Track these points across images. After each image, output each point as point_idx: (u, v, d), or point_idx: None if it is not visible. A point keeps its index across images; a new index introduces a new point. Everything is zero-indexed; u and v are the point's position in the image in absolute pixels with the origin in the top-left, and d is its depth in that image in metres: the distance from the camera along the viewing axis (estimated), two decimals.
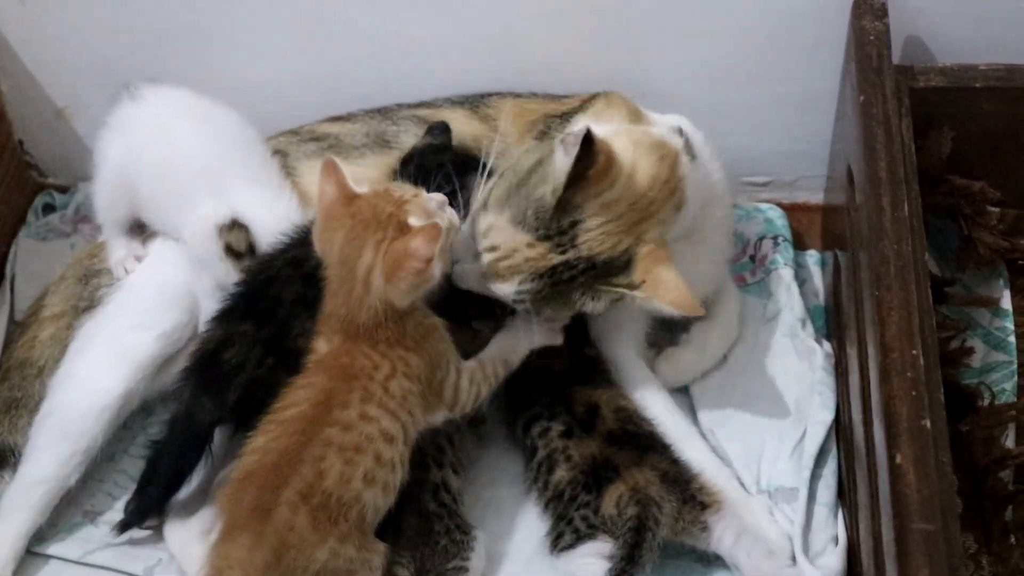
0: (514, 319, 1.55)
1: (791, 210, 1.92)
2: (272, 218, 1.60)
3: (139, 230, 1.71)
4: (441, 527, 1.50)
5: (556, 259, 1.44)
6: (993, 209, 1.72)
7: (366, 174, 1.67)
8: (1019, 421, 1.65)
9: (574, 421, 1.58)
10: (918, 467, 1.24)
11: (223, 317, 1.54)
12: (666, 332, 1.73)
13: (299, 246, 1.54)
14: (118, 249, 1.70)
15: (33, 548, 1.60)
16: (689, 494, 1.53)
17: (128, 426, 1.69)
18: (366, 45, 1.80)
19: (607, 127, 1.50)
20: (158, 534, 1.59)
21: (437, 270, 1.37)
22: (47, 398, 1.62)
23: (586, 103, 1.68)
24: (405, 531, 1.47)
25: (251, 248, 1.58)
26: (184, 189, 1.61)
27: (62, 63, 1.88)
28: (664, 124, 1.60)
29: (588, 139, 1.38)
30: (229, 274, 1.58)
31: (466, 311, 1.56)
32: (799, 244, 1.89)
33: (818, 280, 1.84)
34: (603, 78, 1.76)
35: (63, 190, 2.01)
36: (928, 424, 1.27)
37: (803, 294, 1.79)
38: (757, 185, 1.94)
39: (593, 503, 1.51)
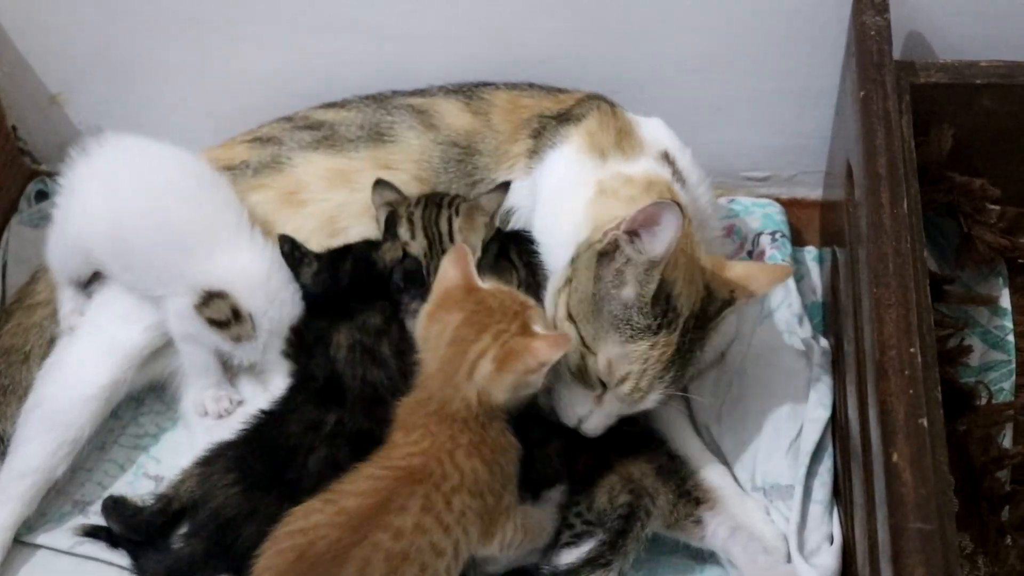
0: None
1: (789, 206, 1.92)
2: (247, 271, 1.57)
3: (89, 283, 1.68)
4: None
5: (675, 337, 1.43)
6: (993, 207, 1.71)
7: (360, 167, 1.67)
8: (1017, 421, 1.64)
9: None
10: (914, 466, 1.23)
11: (245, 485, 1.47)
12: None
13: (315, 405, 1.51)
14: (66, 302, 1.66)
15: (22, 538, 1.59)
16: (684, 489, 1.53)
17: (118, 416, 1.69)
18: (362, 34, 1.78)
19: (612, 174, 1.53)
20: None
21: (541, 379, 1.36)
22: (34, 389, 1.61)
23: (577, 107, 1.66)
24: None
25: (236, 312, 1.56)
26: (153, 264, 1.58)
27: (56, 49, 1.87)
28: (648, 131, 1.62)
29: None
30: (235, 339, 1.58)
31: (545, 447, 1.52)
32: (797, 240, 1.89)
33: (816, 276, 1.84)
34: (601, 71, 1.75)
35: (56, 177, 1.99)
36: (925, 423, 1.26)
37: (801, 290, 1.78)
38: (755, 180, 1.93)
39: (584, 502, 1.51)
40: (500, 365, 1.35)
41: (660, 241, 1.39)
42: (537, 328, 1.38)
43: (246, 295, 1.56)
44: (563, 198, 1.55)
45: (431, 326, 1.40)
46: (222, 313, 1.56)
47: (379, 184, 1.61)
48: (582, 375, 1.46)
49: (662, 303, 1.42)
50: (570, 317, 1.45)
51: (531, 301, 1.42)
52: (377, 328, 1.54)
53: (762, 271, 1.52)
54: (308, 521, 1.33)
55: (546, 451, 1.52)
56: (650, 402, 1.46)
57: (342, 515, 1.32)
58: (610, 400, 1.46)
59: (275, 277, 1.58)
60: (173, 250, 1.56)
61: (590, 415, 1.48)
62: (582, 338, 1.44)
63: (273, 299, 1.57)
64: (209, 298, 1.56)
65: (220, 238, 1.58)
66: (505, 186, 1.61)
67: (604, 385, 1.45)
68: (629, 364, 1.43)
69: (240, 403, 1.65)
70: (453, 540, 1.34)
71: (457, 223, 1.56)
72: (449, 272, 1.41)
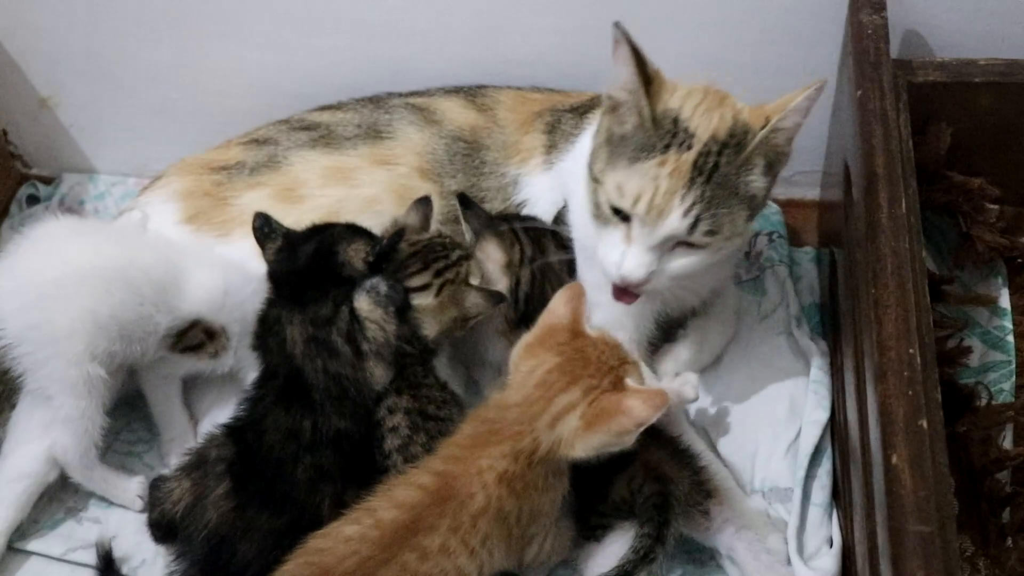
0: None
1: (787, 206, 1.91)
2: (206, 289, 1.57)
3: None
4: None
5: (690, 155, 1.41)
6: (992, 206, 1.71)
7: (358, 164, 1.66)
8: (1017, 422, 1.63)
9: None
10: (914, 468, 1.22)
11: (238, 502, 1.45)
12: (662, 331, 1.71)
13: (284, 409, 1.49)
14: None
15: (15, 544, 1.59)
16: (697, 479, 1.53)
17: (112, 421, 1.66)
18: (357, 35, 1.78)
19: None
20: (143, 535, 1.56)
21: (634, 438, 1.32)
22: (24, 394, 1.60)
23: (598, 99, 1.65)
24: None
25: (209, 332, 1.57)
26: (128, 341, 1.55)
27: (46, 52, 1.87)
28: None
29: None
30: (212, 356, 1.60)
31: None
32: (795, 241, 1.88)
33: (814, 277, 1.83)
34: (595, 71, 1.73)
35: (47, 181, 2.01)
36: (925, 424, 1.26)
37: (799, 292, 1.78)
38: None
39: (596, 496, 1.50)
40: (590, 424, 1.32)
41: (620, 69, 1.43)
42: (630, 382, 1.34)
43: (214, 311, 1.57)
44: None
45: (526, 359, 1.38)
46: (195, 339, 1.58)
47: (416, 203, 1.60)
48: (598, 211, 1.46)
49: (668, 124, 1.42)
50: (593, 178, 1.46)
51: (632, 357, 1.39)
52: (326, 318, 1.50)
53: (790, 96, 1.47)
54: (344, 530, 1.32)
55: None
56: (674, 220, 1.41)
57: (374, 528, 1.31)
58: (637, 231, 1.43)
59: (231, 285, 1.58)
60: (139, 325, 1.54)
61: (623, 256, 1.45)
62: (593, 174, 1.46)
63: (237, 302, 1.58)
64: (182, 333, 1.57)
65: (170, 284, 1.56)
66: (499, 296, 1.56)
67: (624, 218, 1.44)
68: (636, 185, 1.41)
69: None
70: (478, 564, 1.33)
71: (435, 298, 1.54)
72: (559, 309, 1.39)
